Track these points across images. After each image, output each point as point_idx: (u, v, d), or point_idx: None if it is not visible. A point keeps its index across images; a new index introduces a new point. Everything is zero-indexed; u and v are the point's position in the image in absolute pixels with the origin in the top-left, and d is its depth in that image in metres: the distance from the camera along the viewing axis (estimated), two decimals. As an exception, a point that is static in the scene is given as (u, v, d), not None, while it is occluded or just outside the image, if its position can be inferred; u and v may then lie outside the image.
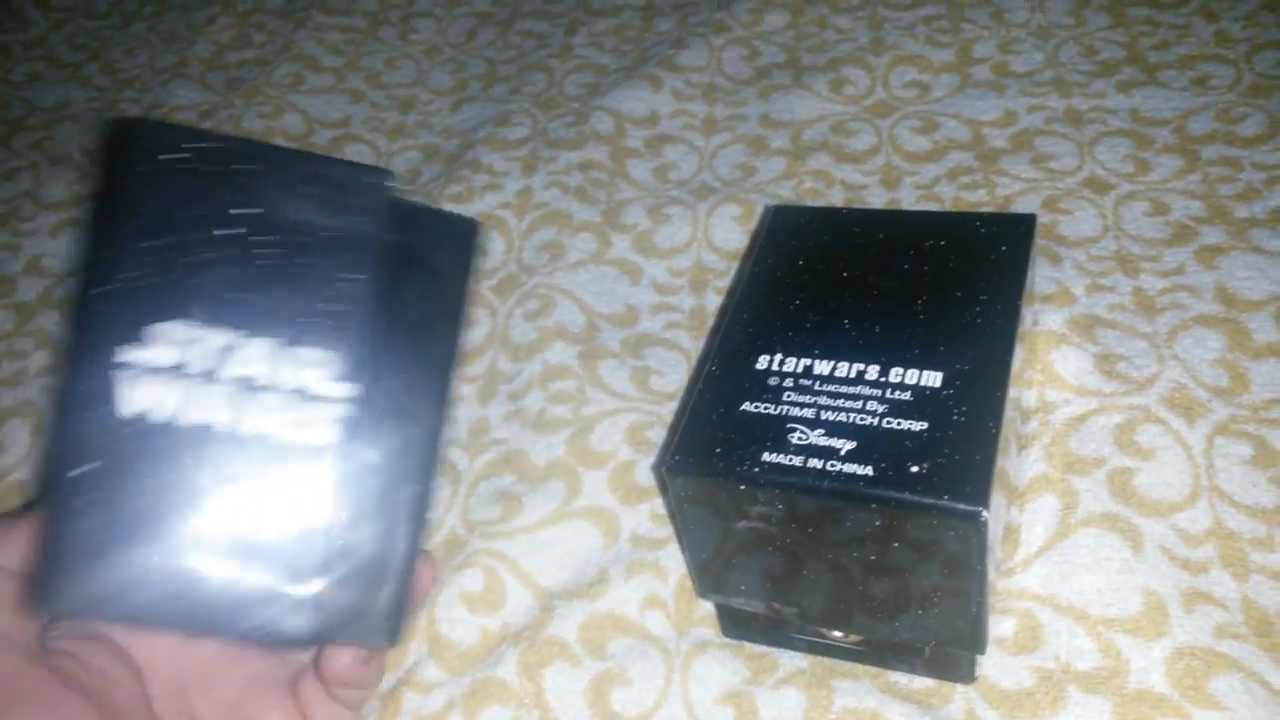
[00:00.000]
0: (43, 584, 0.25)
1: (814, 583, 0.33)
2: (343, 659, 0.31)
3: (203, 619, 0.26)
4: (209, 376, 0.26)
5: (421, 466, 0.30)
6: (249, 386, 0.26)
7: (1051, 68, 0.57)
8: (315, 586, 0.27)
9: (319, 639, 0.30)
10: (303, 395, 0.27)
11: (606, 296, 0.51)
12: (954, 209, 0.51)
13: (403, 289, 0.29)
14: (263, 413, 0.26)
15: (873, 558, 0.31)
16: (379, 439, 0.28)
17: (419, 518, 0.30)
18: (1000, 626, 0.35)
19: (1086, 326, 0.43)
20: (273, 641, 0.29)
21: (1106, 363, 0.41)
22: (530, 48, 0.69)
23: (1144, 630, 0.34)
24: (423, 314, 0.30)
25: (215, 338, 0.26)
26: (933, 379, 0.32)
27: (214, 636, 0.32)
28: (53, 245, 0.59)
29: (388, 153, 0.63)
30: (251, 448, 0.26)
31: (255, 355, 0.27)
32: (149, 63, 0.73)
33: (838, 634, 0.35)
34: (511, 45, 0.70)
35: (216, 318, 0.27)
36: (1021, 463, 0.39)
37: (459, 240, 0.32)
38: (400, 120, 0.66)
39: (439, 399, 0.30)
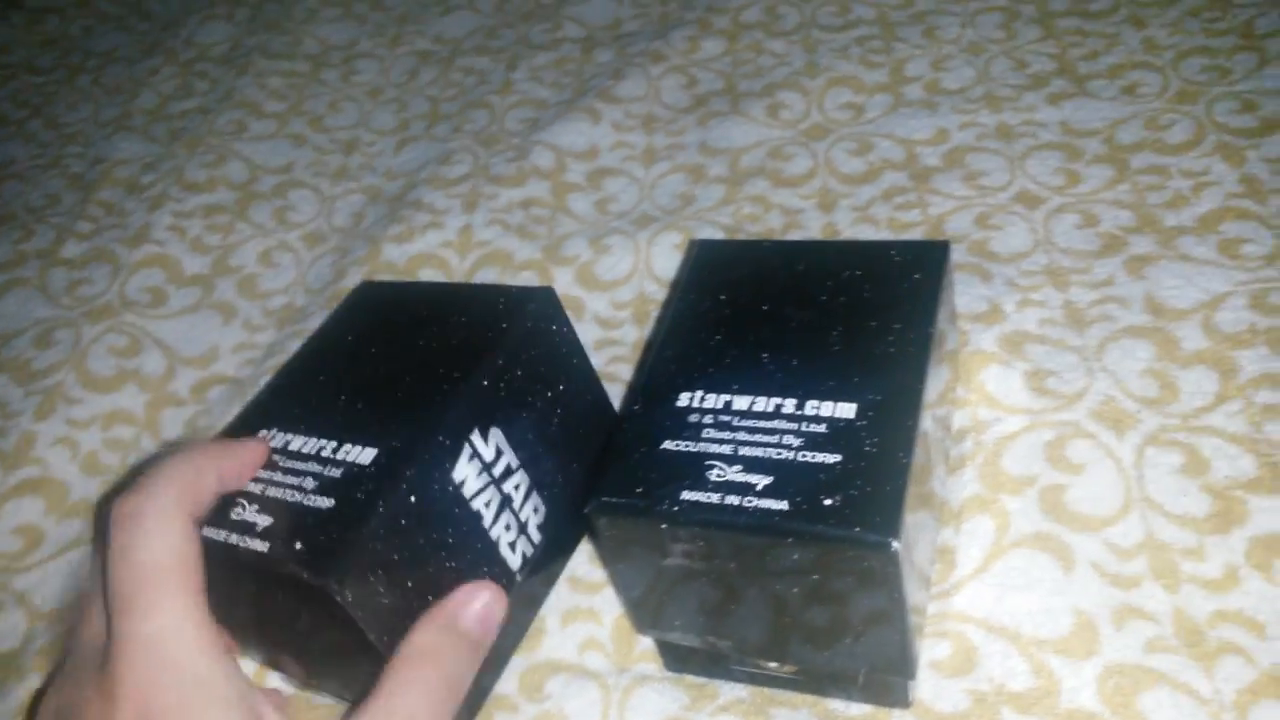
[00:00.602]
0: None
1: (744, 615, 0.33)
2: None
3: None
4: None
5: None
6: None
7: (982, 83, 0.58)
8: None
9: None
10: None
11: (548, 333, 0.51)
12: (889, 230, 0.51)
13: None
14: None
15: (796, 590, 0.31)
16: None
17: None
18: (935, 649, 0.36)
19: (1017, 343, 0.43)
20: None
21: (1036, 379, 0.42)
22: (471, 85, 0.69)
23: (1075, 650, 0.34)
24: None
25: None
26: (847, 410, 0.32)
27: None
28: (-2, 306, 0.59)
29: (331, 196, 0.63)
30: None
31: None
32: (93, 116, 0.73)
33: (773, 664, 0.35)
34: (453, 83, 0.70)
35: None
36: (956, 483, 0.40)
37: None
38: (344, 163, 0.66)
39: None
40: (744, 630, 0.33)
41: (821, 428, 0.31)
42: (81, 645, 0.30)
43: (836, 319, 0.35)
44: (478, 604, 0.33)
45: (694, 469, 0.31)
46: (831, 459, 0.30)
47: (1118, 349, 0.42)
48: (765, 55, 0.64)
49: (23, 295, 0.59)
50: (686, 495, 0.31)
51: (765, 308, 0.36)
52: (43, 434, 0.51)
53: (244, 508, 0.32)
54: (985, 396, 0.41)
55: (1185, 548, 0.36)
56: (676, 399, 0.34)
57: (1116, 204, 0.49)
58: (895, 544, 0.28)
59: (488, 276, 0.54)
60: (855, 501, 0.29)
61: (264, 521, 0.32)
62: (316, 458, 0.33)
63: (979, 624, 0.36)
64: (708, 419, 0.33)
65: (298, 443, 0.34)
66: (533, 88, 0.67)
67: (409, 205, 0.59)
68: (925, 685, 0.35)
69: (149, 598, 0.28)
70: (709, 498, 0.30)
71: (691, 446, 0.32)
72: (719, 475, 0.31)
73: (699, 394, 0.34)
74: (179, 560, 0.29)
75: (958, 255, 0.48)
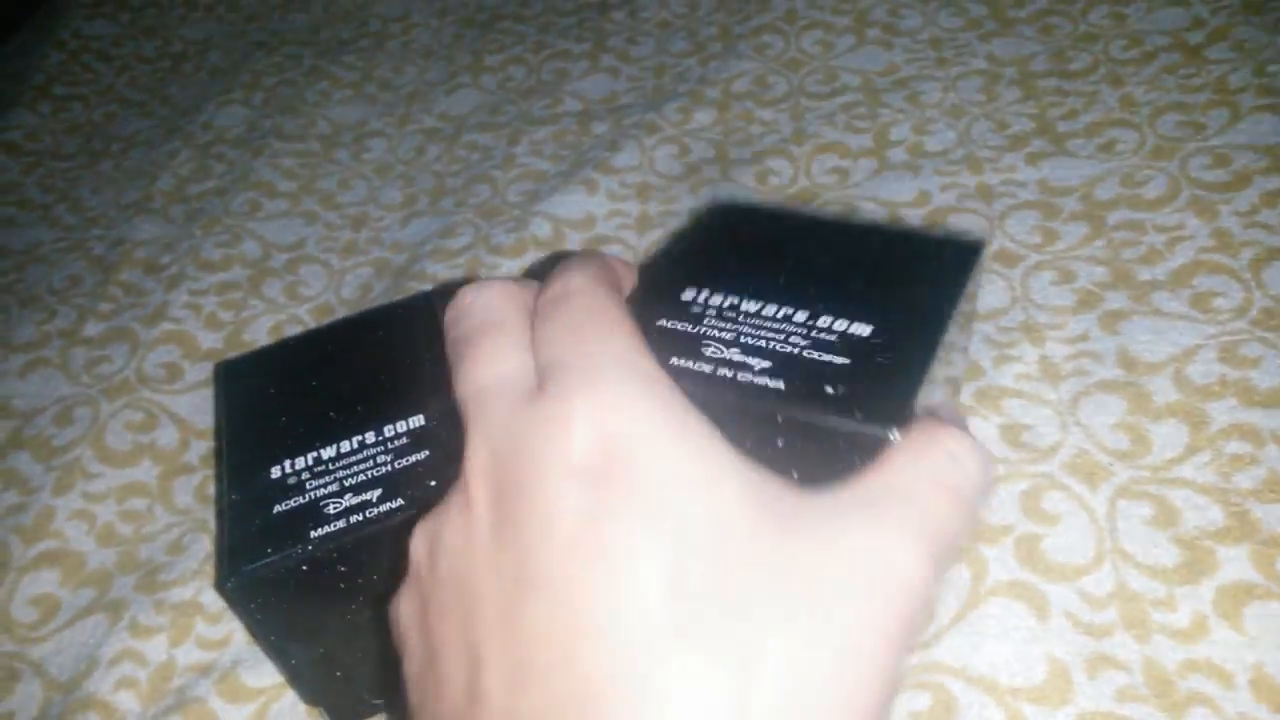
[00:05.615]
0: None
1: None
2: None
3: None
4: None
5: None
6: None
7: (963, 145, 0.60)
8: None
9: None
10: None
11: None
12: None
13: None
14: None
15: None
16: None
17: None
18: (915, 701, 0.36)
19: (994, 398, 0.44)
20: None
21: (1012, 433, 0.43)
22: (475, 160, 0.72)
23: (1049, 698, 0.35)
24: None
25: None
26: (862, 330, 0.30)
27: None
28: (21, 386, 0.61)
29: (340, 270, 0.66)
30: None
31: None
32: (115, 199, 0.76)
33: None
34: (458, 159, 0.73)
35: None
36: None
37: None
38: (353, 238, 0.68)
39: None
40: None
41: (833, 337, 0.30)
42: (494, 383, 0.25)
43: (861, 268, 0.34)
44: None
45: (690, 347, 0.30)
46: (840, 360, 0.29)
47: (1091, 403, 0.44)
48: (755, 124, 0.67)
49: (45, 374, 0.62)
50: (676, 361, 0.29)
51: (787, 248, 0.36)
52: (61, 508, 0.53)
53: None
54: (962, 452, 0.43)
55: (1155, 598, 0.37)
56: (680, 292, 0.32)
57: (1092, 260, 0.50)
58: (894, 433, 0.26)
59: (487, 345, 0.56)
60: (861, 394, 0.27)
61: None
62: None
63: (957, 674, 0.37)
64: (710, 313, 0.31)
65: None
66: (533, 161, 0.70)
67: (413, 277, 0.61)
68: (904, 738, 0.36)
69: (601, 327, 0.25)
70: (700, 368, 0.29)
71: (690, 328, 0.31)
72: (715, 353, 0.29)
73: (705, 291, 0.32)
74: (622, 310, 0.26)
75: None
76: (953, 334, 0.33)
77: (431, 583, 0.24)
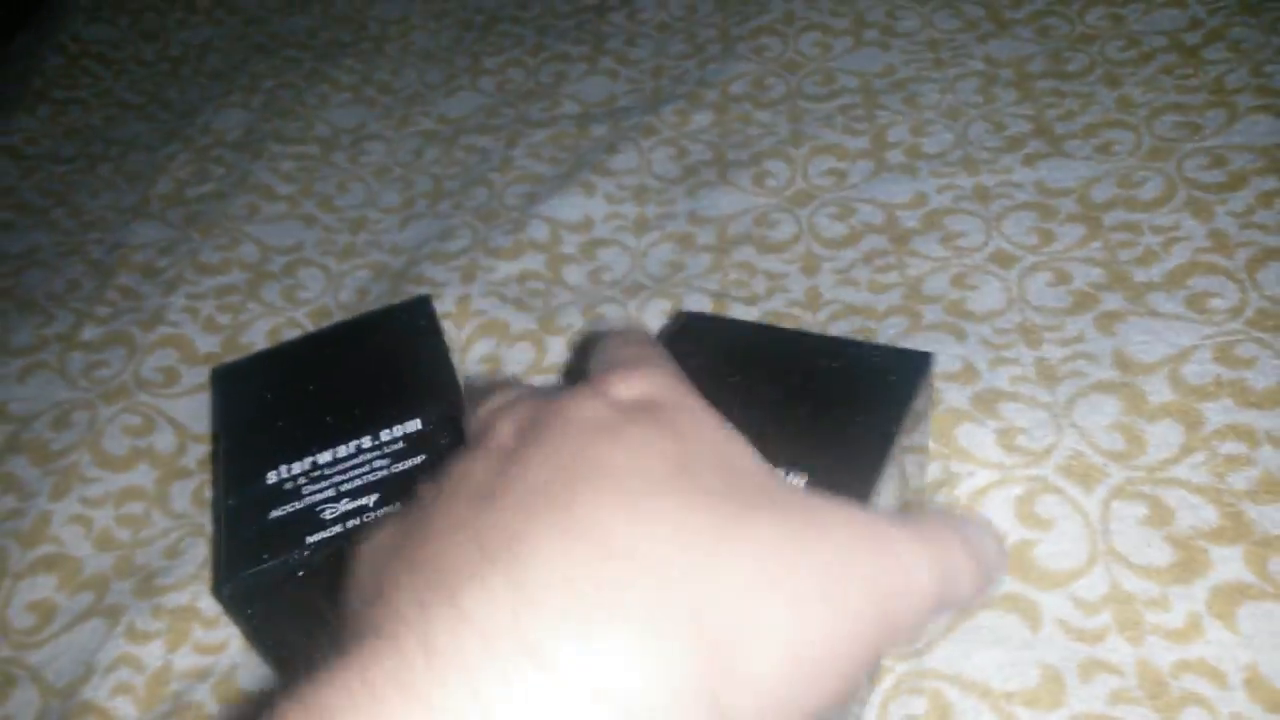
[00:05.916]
0: None
1: None
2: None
3: None
4: None
5: None
6: None
7: (960, 147, 0.60)
8: None
9: None
10: None
11: (541, 401, 0.52)
12: (868, 291, 0.52)
13: None
14: None
15: None
16: None
17: None
18: (912, 705, 0.36)
19: (989, 401, 0.44)
20: None
21: (1007, 437, 0.43)
22: (474, 162, 0.72)
23: (1042, 701, 0.35)
24: None
25: None
26: (797, 480, 0.32)
27: None
28: (20, 390, 0.61)
29: (338, 274, 0.66)
30: None
31: None
32: (113, 203, 0.76)
33: None
34: (456, 161, 0.73)
35: None
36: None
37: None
38: (351, 241, 0.68)
39: None
40: None
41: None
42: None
43: (805, 402, 0.36)
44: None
45: None
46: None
47: (1086, 404, 0.43)
48: (753, 125, 0.67)
49: (43, 379, 0.62)
50: None
51: (737, 379, 0.37)
52: (58, 513, 0.53)
53: None
54: (957, 451, 0.43)
55: (1149, 598, 0.37)
56: None
57: (1089, 261, 0.50)
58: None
59: (484, 349, 0.56)
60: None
61: None
62: None
63: (952, 680, 0.37)
64: None
65: None
66: (531, 163, 0.70)
67: (411, 280, 0.61)
68: (898, 741, 0.36)
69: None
70: None
71: None
72: None
73: None
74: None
75: (934, 315, 0.50)
76: (905, 442, 0.35)
77: (429, 495, 0.24)
